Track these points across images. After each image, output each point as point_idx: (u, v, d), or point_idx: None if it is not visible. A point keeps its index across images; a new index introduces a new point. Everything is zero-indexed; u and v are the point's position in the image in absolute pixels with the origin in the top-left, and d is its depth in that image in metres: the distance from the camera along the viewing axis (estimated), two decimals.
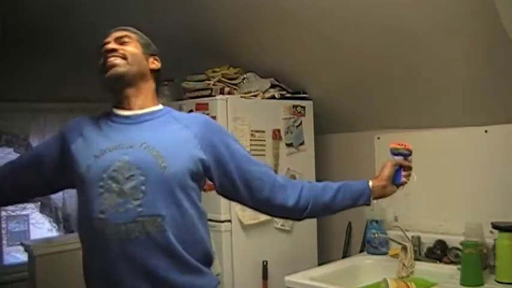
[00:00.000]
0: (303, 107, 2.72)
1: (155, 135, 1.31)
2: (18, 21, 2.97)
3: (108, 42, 1.38)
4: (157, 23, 2.51)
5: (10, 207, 5.22)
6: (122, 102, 1.38)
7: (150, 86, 1.41)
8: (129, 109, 1.37)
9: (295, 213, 1.41)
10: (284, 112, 2.64)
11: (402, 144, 1.45)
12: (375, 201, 1.45)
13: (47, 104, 3.55)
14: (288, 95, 2.72)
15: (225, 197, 1.45)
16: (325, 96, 2.73)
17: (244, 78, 2.64)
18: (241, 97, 2.52)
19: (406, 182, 1.49)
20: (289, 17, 2.34)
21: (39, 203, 3.59)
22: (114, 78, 1.33)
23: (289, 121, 2.65)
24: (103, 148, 1.28)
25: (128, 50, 1.36)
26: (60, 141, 1.38)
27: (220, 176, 1.37)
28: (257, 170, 1.39)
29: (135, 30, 1.44)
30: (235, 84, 2.60)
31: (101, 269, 1.25)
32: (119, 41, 1.38)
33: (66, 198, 3.66)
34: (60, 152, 1.37)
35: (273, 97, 2.64)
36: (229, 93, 2.51)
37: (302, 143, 2.71)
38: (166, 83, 2.77)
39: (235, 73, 2.64)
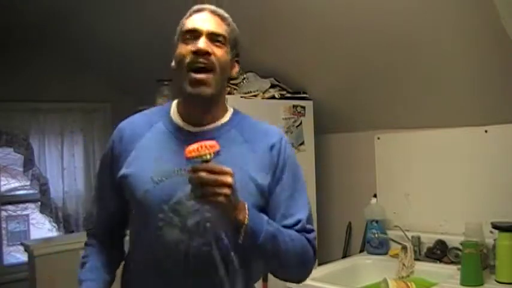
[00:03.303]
0: (303, 107, 2.72)
1: (221, 160, 1.05)
2: (19, 22, 2.97)
3: (200, 35, 1.14)
4: (157, 23, 2.51)
5: (10, 207, 5.22)
6: (192, 115, 1.20)
7: (224, 94, 1.25)
8: (197, 124, 1.19)
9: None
10: (284, 112, 2.64)
11: (202, 147, 1.00)
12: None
13: (46, 104, 3.57)
14: (288, 95, 2.72)
15: None
16: (325, 96, 2.73)
17: (244, 78, 2.64)
18: (241, 97, 2.52)
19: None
20: (289, 17, 2.34)
21: (39, 203, 3.60)
22: (199, 98, 1.14)
23: (289, 121, 2.65)
24: (163, 171, 1.13)
25: (220, 59, 1.14)
26: (110, 162, 1.23)
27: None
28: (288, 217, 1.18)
29: (230, 21, 1.21)
30: (235, 84, 2.60)
31: None
32: (212, 38, 1.15)
33: (66, 198, 3.67)
34: (113, 174, 1.20)
35: (273, 97, 2.64)
36: (229, 93, 2.51)
37: (302, 143, 2.71)
38: (166, 83, 2.77)
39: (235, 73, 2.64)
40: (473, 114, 2.18)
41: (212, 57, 1.13)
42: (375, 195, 2.54)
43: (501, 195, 2.07)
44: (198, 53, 1.12)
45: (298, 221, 1.17)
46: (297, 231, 1.16)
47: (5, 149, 3.59)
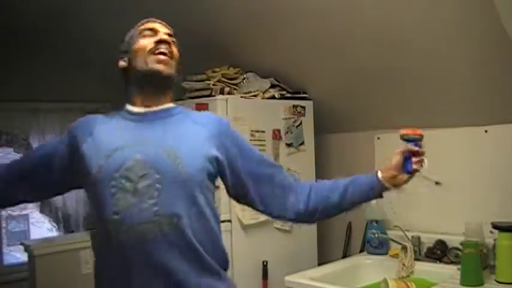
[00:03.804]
0: (303, 107, 2.72)
1: (169, 134, 1.26)
2: (19, 22, 2.97)
3: (158, 32, 1.31)
4: None
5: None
6: (145, 99, 1.31)
7: (172, 90, 1.38)
8: (146, 106, 1.31)
9: (306, 217, 1.36)
10: (284, 112, 2.64)
11: (412, 130, 1.40)
12: (387, 193, 1.38)
13: (46, 104, 3.56)
14: (288, 95, 2.72)
15: (237, 200, 1.41)
16: (325, 96, 2.73)
17: (244, 78, 2.64)
18: (241, 97, 2.52)
19: (417, 170, 1.37)
20: (289, 17, 2.34)
21: (39, 202, 3.59)
22: (162, 76, 1.27)
23: (289, 121, 2.65)
24: (114, 147, 1.23)
25: (175, 53, 1.32)
26: (69, 141, 1.34)
27: (232, 177, 1.33)
28: (267, 171, 1.36)
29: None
30: (235, 84, 2.60)
31: (116, 273, 1.20)
32: (169, 38, 1.32)
33: (66, 198, 3.65)
34: (70, 152, 1.31)
35: (273, 97, 2.63)
36: (229, 93, 2.51)
37: (302, 143, 2.71)
38: None
39: (235, 73, 2.64)
40: (473, 114, 2.18)
41: (172, 47, 1.31)
42: None
43: (501, 195, 2.07)
44: (160, 42, 1.28)
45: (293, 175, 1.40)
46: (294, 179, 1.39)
47: (5, 149, 3.58)
